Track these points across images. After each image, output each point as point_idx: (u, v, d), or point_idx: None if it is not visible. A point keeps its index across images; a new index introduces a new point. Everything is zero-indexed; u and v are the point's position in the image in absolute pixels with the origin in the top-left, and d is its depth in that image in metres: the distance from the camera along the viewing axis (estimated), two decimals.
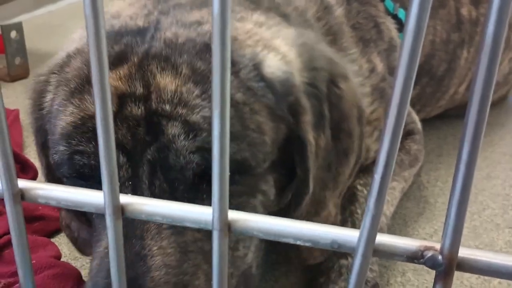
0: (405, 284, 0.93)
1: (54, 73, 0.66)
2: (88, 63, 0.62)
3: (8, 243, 0.87)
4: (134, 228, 0.57)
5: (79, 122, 0.59)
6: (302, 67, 0.66)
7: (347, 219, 0.89)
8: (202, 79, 0.59)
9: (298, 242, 0.29)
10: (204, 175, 0.59)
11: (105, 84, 0.28)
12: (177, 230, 0.58)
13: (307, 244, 0.29)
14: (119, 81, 0.60)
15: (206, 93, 0.58)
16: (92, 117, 0.59)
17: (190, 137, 0.57)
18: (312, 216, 0.70)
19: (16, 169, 0.97)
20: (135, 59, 0.60)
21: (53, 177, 0.71)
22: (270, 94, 0.63)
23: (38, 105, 0.68)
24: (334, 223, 0.74)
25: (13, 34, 1.72)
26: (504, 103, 1.63)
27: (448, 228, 0.25)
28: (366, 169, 0.97)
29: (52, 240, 1.05)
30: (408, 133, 1.07)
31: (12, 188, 0.31)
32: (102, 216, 0.64)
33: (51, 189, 0.32)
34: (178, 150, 0.58)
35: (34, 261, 0.81)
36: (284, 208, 0.71)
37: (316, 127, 0.67)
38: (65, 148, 0.60)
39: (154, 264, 0.56)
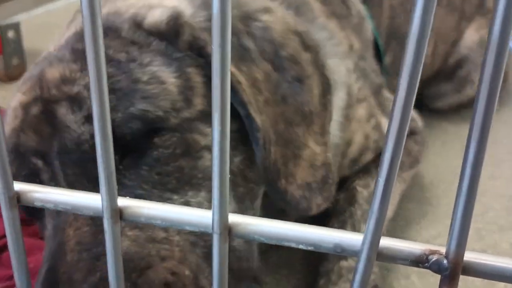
0: (409, 287, 0.92)
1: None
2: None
3: (6, 246, 0.86)
4: (60, 221, 0.58)
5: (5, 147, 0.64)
6: (195, 10, 0.65)
7: (346, 220, 0.89)
8: (81, 55, 0.61)
9: (301, 246, 0.29)
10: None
11: (103, 87, 0.27)
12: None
13: (309, 248, 0.29)
14: (24, 95, 0.64)
15: (86, 68, 0.61)
16: (9, 137, 0.63)
17: (76, 109, 0.58)
18: (292, 158, 0.65)
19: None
20: (38, 76, 0.64)
21: None
22: (157, 41, 0.62)
23: None
24: (325, 161, 0.68)
25: (10, 34, 1.71)
26: (508, 100, 1.62)
27: (454, 231, 0.25)
28: (366, 170, 0.96)
29: None
30: (409, 133, 1.06)
31: (8, 191, 0.31)
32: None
33: (48, 192, 0.32)
34: (70, 128, 0.58)
35: (31, 265, 0.80)
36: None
37: (241, 60, 0.63)
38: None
39: (69, 247, 0.56)
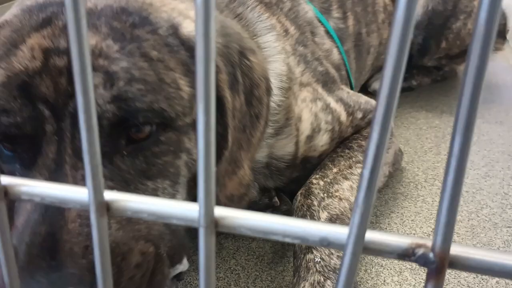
0: (402, 283, 0.93)
1: None
2: (16, 30, 0.65)
3: None
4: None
5: (6, 80, 0.61)
6: (216, 34, 0.71)
7: (305, 213, 0.91)
8: (120, 37, 0.63)
9: (287, 240, 0.28)
10: (120, 126, 0.62)
11: (88, 82, 0.27)
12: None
13: (295, 242, 0.28)
14: (44, 39, 0.62)
15: (124, 49, 0.62)
16: (18, 74, 0.61)
17: (108, 86, 0.60)
18: (230, 174, 0.76)
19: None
20: (59, 23, 0.63)
21: None
22: (184, 51, 0.68)
23: None
24: (248, 183, 0.80)
25: None
26: (501, 100, 1.62)
27: (440, 224, 0.25)
28: (323, 164, 1.01)
29: None
30: (370, 121, 1.08)
31: None
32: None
33: (35, 185, 0.31)
34: (96, 100, 0.60)
35: None
36: None
37: (231, 88, 0.72)
38: None
39: (70, 216, 0.58)
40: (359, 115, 1.08)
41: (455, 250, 0.26)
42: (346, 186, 0.95)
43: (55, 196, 0.31)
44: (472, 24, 1.54)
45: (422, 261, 0.26)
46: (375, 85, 1.65)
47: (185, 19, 0.70)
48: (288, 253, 1.00)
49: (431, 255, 0.26)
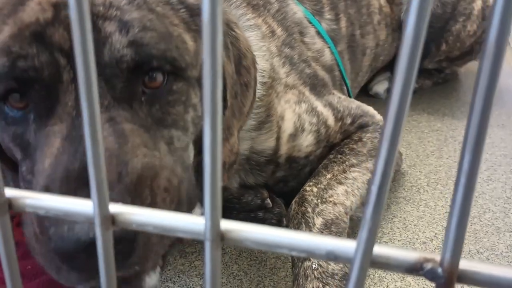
0: None
1: None
2: None
3: None
4: (81, 130, 0.60)
5: (16, 31, 0.61)
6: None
7: (300, 221, 0.91)
8: None
9: (293, 253, 0.28)
10: (137, 71, 0.64)
11: (93, 87, 0.27)
12: (115, 121, 0.62)
13: (302, 255, 0.28)
14: None
15: (132, 3, 0.64)
16: (29, 25, 0.61)
17: (123, 32, 0.62)
18: (224, 140, 0.78)
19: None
20: None
21: None
22: (184, 9, 0.71)
23: None
24: (237, 151, 0.83)
25: None
26: (504, 103, 1.62)
27: (449, 240, 0.24)
28: (316, 172, 1.01)
29: None
30: (360, 126, 1.08)
31: None
32: (43, 131, 0.63)
33: (39, 198, 0.31)
34: (113, 45, 0.62)
35: (29, 267, 0.80)
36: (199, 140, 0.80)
37: (225, 54, 0.75)
38: (5, 59, 0.61)
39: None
40: (349, 120, 1.08)
41: (464, 264, 0.26)
42: (341, 190, 0.95)
43: (60, 208, 0.31)
44: (472, 26, 1.54)
45: (430, 275, 0.26)
46: (376, 88, 1.64)
47: None
48: (290, 259, 0.99)
49: (439, 270, 0.26)
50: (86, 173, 0.58)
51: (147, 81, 0.66)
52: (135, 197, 0.57)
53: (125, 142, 0.61)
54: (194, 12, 0.72)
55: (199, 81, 0.72)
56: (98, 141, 0.28)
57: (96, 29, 0.62)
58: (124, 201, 0.56)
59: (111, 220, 0.30)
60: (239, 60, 0.80)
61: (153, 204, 0.60)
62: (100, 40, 0.62)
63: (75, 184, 0.57)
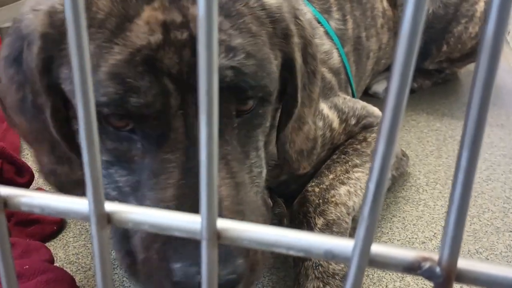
0: None
1: None
2: (119, 2, 0.63)
3: None
4: (196, 161, 0.62)
5: (129, 57, 0.60)
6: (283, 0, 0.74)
7: (302, 221, 0.91)
8: (227, 13, 0.64)
9: (291, 252, 0.28)
10: (234, 94, 0.65)
11: (88, 90, 0.26)
12: (227, 160, 0.65)
13: (300, 254, 0.28)
14: (157, 11, 0.61)
15: (234, 26, 0.64)
16: (140, 50, 0.60)
17: (230, 56, 0.62)
18: (296, 130, 0.81)
19: (12, 172, 0.96)
20: None
21: (60, 119, 0.70)
22: (270, 23, 0.70)
23: (56, 44, 0.65)
24: (315, 136, 0.85)
25: None
26: (503, 103, 1.62)
27: (447, 239, 0.24)
28: (319, 172, 1.01)
29: (48, 243, 1.04)
30: (364, 127, 1.08)
31: None
32: (152, 157, 0.64)
33: (35, 196, 0.31)
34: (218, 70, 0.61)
35: (27, 266, 0.80)
36: (276, 130, 0.82)
37: (299, 49, 0.76)
38: (117, 87, 0.59)
39: (222, 194, 0.62)
40: (353, 121, 1.07)
41: (462, 263, 0.26)
42: (343, 191, 0.94)
43: (54, 207, 0.31)
44: (474, 28, 1.53)
45: (428, 274, 0.26)
46: (375, 88, 1.64)
47: None
48: (290, 258, 0.99)
49: (437, 269, 0.25)
50: None
51: (239, 104, 0.67)
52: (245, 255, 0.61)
53: (238, 189, 0.64)
54: (277, 24, 0.71)
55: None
56: (94, 142, 0.28)
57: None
58: (239, 249, 0.59)
59: (106, 218, 0.29)
60: (305, 48, 0.79)
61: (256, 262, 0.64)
62: None
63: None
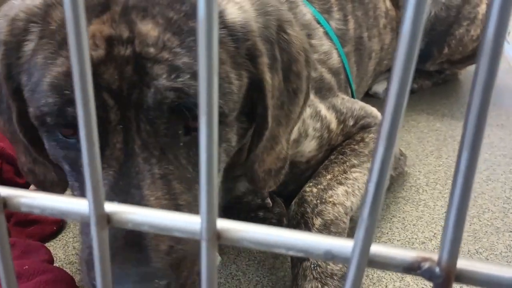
0: None
1: (35, 22, 0.66)
2: None
3: None
4: (130, 178, 0.61)
5: (69, 70, 0.61)
6: (257, 14, 0.71)
7: (300, 221, 0.91)
8: (178, 30, 0.63)
9: (290, 253, 0.28)
10: (179, 114, 0.62)
11: (89, 94, 0.26)
12: (167, 179, 0.63)
13: (299, 254, 0.28)
14: (104, 25, 0.61)
15: (183, 43, 0.62)
16: None
17: (172, 77, 0.61)
18: (268, 150, 0.78)
19: (12, 172, 0.96)
20: (117, 8, 0.62)
21: (24, 125, 0.71)
22: (231, 42, 0.67)
23: (14, 52, 0.67)
24: (285, 156, 0.82)
25: None
26: (503, 103, 1.62)
27: (446, 239, 0.24)
28: (316, 173, 1.00)
29: (48, 244, 1.04)
30: (362, 128, 1.08)
31: None
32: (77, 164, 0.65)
33: (34, 197, 0.31)
34: (158, 88, 0.60)
35: (27, 267, 0.80)
36: (242, 147, 0.81)
37: (271, 68, 0.72)
38: (56, 99, 0.61)
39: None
40: (351, 122, 1.07)
41: (462, 264, 0.26)
42: (341, 191, 0.94)
43: (54, 208, 0.31)
44: (475, 31, 1.53)
45: (428, 275, 0.26)
46: (375, 88, 1.64)
47: (228, 3, 0.69)
48: (289, 259, 0.99)
49: (437, 269, 0.25)
50: (134, 233, 0.58)
51: (190, 121, 0.65)
52: (175, 273, 0.60)
53: (179, 209, 0.63)
54: (241, 43, 0.68)
55: (238, 117, 0.71)
56: (94, 143, 0.28)
57: (144, 72, 0.61)
58: (168, 273, 0.59)
59: (106, 219, 0.29)
60: (289, 66, 0.76)
61: (184, 285, 0.62)
62: (147, 82, 0.61)
63: (124, 246, 0.59)
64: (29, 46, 0.66)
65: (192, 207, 0.65)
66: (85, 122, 0.26)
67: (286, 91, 0.77)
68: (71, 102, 0.60)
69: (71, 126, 0.63)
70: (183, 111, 0.62)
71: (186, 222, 0.29)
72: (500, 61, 0.19)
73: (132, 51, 0.61)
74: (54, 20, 0.64)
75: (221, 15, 0.67)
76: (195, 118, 0.64)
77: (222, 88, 0.65)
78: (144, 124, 0.62)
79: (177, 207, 0.62)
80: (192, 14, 0.65)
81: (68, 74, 0.61)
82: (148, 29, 0.61)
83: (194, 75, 0.62)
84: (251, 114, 0.74)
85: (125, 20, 0.62)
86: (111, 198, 0.61)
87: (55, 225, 1.04)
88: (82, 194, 0.66)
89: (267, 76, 0.71)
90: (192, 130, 0.66)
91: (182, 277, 0.61)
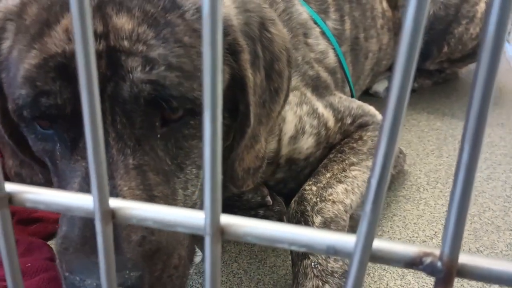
0: (405, 287, 0.92)
1: (11, 19, 0.67)
2: (46, 8, 0.64)
3: None
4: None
5: (42, 62, 0.61)
6: (237, 11, 0.71)
7: (299, 220, 0.91)
8: (154, 22, 0.63)
9: (293, 247, 0.28)
10: (155, 106, 0.62)
11: (94, 88, 0.27)
12: (142, 170, 0.62)
13: (302, 249, 0.28)
14: None
15: (159, 35, 0.62)
16: (54, 56, 0.61)
17: (147, 69, 0.61)
18: (248, 148, 0.78)
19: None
20: (92, 3, 0.62)
21: (9, 123, 0.72)
22: None
23: None
24: (263, 155, 0.82)
25: None
26: (504, 102, 1.62)
27: (448, 234, 0.25)
28: (316, 171, 1.01)
29: (50, 242, 1.04)
30: (360, 126, 1.08)
31: None
32: (67, 160, 0.65)
33: (40, 193, 0.31)
34: (133, 81, 0.61)
35: (29, 264, 0.80)
36: (227, 146, 0.80)
37: (252, 65, 0.72)
38: (29, 90, 0.61)
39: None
40: (349, 120, 1.07)
41: (463, 259, 0.26)
42: (340, 189, 0.94)
43: (60, 203, 0.31)
44: (474, 29, 1.53)
45: (430, 270, 0.26)
46: (376, 87, 1.64)
47: None
48: (290, 257, 0.99)
49: (439, 264, 0.26)
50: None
51: (167, 113, 0.65)
52: (148, 265, 0.59)
53: (154, 200, 0.62)
54: None
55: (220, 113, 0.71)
56: (99, 139, 0.28)
57: (119, 65, 0.61)
58: (139, 264, 0.58)
59: (111, 214, 0.30)
60: (271, 64, 0.76)
61: (159, 278, 0.62)
62: (122, 75, 0.61)
63: (93, 236, 0.58)
64: (6, 44, 0.67)
65: (168, 199, 0.64)
66: (90, 120, 0.27)
67: (268, 90, 0.77)
68: (44, 93, 0.61)
69: (46, 117, 0.63)
70: (159, 102, 0.62)
71: (190, 218, 0.29)
72: (500, 60, 0.20)
73: (106, 45, 0.61)
74: (29, 16, 0.65)
75: (199, 10, 0.67)
76: (172, 109, 0.64)
77: (199, 79, 0.65)
78: (119, 117, 0.62)
79: (151, 198, 0.62)
80: (170, 7, 0.65)
81: (40, 66, 0.61)
82: (123, 22, 0.62)
83: (170, 66, 0.62)
84: (234, 112, 0.74)
85: (100, 15, 0.62)
86: (83, 188, 0.61)
87: (57, 223, 1.04)
88: (59, 188, 0.66)
89: (249, 73, 0.71)
90: (169, 122, 0.65)
91: (156, 269, 0.61)
